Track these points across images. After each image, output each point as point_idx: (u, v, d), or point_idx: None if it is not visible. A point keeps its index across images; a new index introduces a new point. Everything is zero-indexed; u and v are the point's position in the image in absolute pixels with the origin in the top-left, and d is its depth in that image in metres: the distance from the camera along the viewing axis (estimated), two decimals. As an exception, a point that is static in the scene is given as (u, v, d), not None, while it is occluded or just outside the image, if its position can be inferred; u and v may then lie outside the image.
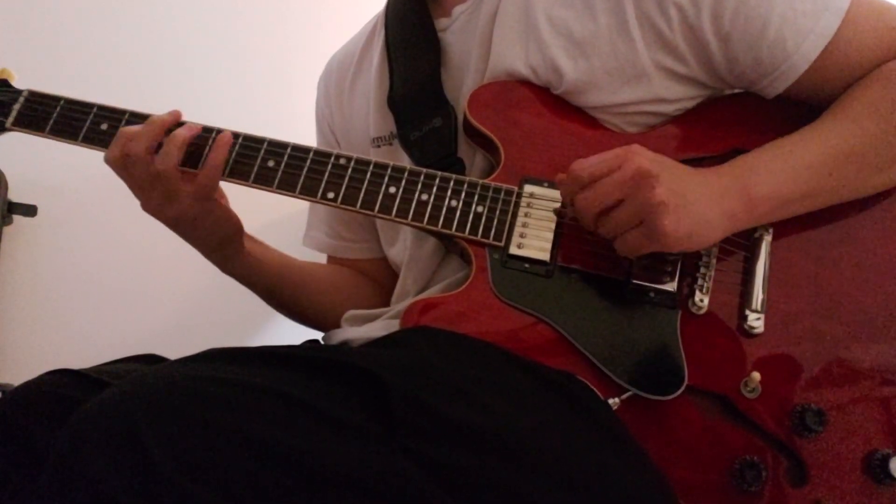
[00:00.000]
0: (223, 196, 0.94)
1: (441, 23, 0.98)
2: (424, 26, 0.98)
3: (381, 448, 0.59)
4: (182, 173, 0.87)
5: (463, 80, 0.94)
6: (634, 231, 0.74)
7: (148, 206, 0.89)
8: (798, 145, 0.80)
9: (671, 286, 0.79)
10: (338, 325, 1.03)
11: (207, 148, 0.87)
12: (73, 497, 0.55)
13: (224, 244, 0.96)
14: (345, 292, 1.10)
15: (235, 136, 0.89)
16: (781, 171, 0.78)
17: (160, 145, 0.86)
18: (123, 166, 0.86)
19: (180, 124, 0.88)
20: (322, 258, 1.18)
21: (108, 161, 0.87)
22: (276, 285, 1.05)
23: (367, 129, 1.03)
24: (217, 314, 1.55)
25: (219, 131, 0.88)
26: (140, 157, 0.85)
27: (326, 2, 1.74)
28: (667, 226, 0.72)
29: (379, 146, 1.02)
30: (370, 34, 1.08)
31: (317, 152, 0.88)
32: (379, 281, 1.13)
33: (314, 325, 1.11)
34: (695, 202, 0.74)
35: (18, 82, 0.96)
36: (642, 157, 0.74)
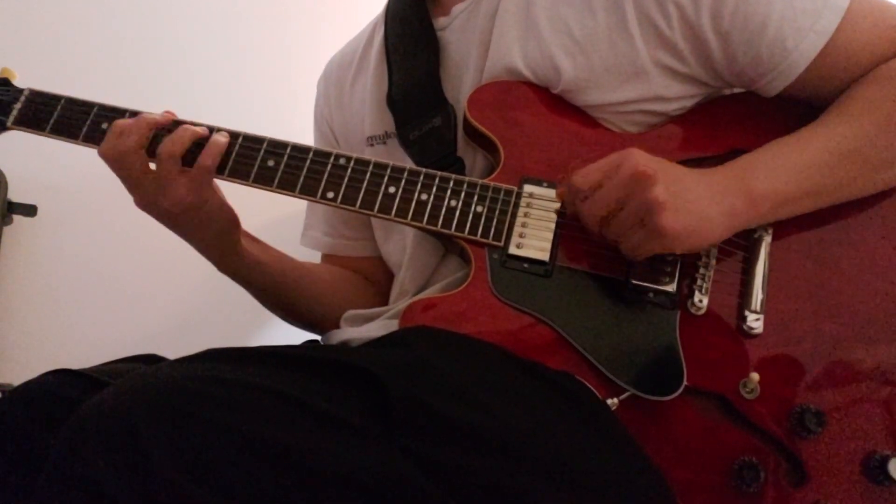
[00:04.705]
0: (217, 189, 0.94)
1: (440, 22, 0.98)
2: (423, 25, 0.98)
3: (381, 448, 0.59)
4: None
5: (462, 79, 0.94)
6: (637, 232, 0.74)
7: (141, 202, 0.89)
8: (799, 144, 0.80)
9: (670, 287, 0.79)
10: (334, 327, 1.02)
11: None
12: (72, 497, 0.55)
13: (220, 238, 0.95)
14: (342, 293, 1.09)
15: (235, 135, 0.89)
16: (782, 170, 0.78)
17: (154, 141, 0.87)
18: (116, 159, 0.86)
19: (177, 123, 0.88)
20: (319, 257, 1.18)
21: (101, 154, 0.87)
22: (273, 285, 1.04)
23: (363, 127, 1.03)
24: (217, 314, 1.55)
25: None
26: (132, 150, 0.85)
27: (326, 2, 1.74)
28: (666, 224, 0.72)
29: (372, 145, 1.02)
30: (370, 34, 1.08)
31: (316, 152, 0.88)
32: (376, 280, 1.12)
33: (309, 326, 1.10)
34: (694, 200, 0.74)
35: (19, 81, 0.96)
36: (638, 159, 0.74)
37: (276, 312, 1.11)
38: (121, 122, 0.87)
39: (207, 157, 0.86)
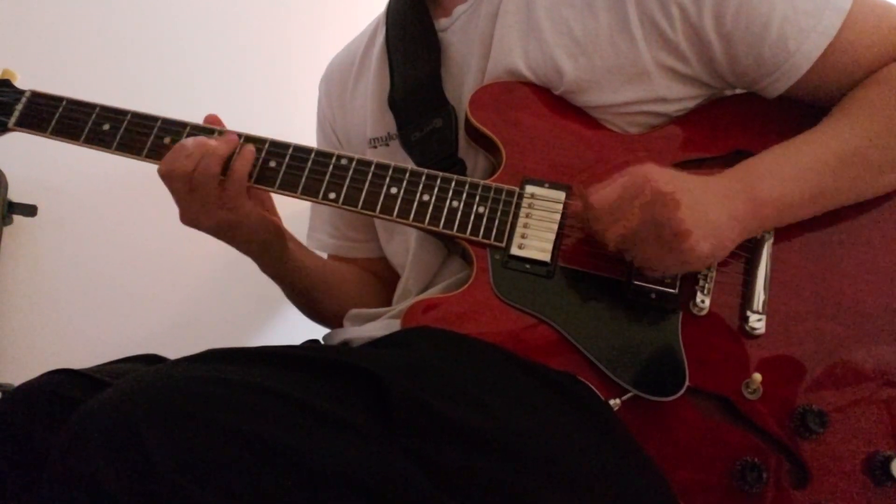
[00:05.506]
0: (264, 204, 0.95)
1: (441, 23, 0.98)
2: (424, 26, 0.98)
3: (381, 448, 0.59)
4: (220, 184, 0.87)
5: (463, 80, 0.94)
6: (660, 253, 0.74)
7: (185, 218, 0.89)
8: (801, 148, 0.80)
9: (673, 288, 0.79)
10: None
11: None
12: (73, 497, 0.55)
13: (265, 248, 0.97)
14: (354, 289, 1.10)
15: (237, 137, 0.89)
16: (786, 174, 0.78)
17: None
18: (171, 179, 0.86)
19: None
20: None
21: (160, 174, 0.87)
22: (309, 287, 1.06)
23: (365, 129, 1.03)
24: (217, 314, 1.55)
25: (245, 139, 0.89)
26: (186, 174, 0.85)
27: (326, 2, 1.74)
28: (694, 247, 0.73)
29: (375, 147, 1.02)
30: (371, 35, 1.08)
31: (318, 153, 0.88)
32: (385, 278, 1.13)
33: (329, 323, 1.12)
34: (706, 210, 0.74)
35: (21, 82, 0.96)
36: (658, 177, 0.73)
37: (301, 309, 1.12)
38: (184, 146, 0.86)
39: (239, 167, 0.87)
